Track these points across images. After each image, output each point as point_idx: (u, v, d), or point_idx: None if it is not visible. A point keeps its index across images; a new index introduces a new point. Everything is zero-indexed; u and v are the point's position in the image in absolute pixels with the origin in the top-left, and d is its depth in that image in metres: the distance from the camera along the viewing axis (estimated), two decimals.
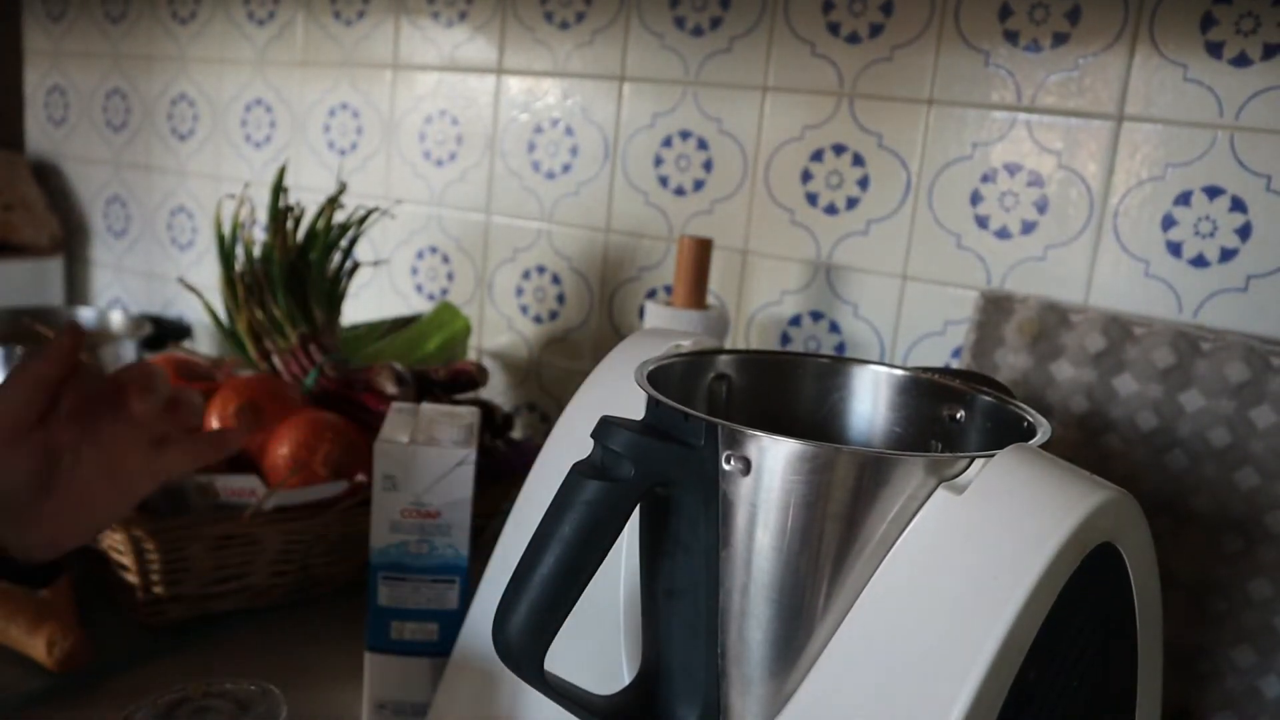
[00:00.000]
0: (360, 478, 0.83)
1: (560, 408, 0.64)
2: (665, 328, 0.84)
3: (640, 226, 1.07)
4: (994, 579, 0.40)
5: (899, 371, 0.57)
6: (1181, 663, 0.74)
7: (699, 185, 1.03)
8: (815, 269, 0.97)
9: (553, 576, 0.43)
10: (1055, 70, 0.84)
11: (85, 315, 1.35)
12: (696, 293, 0.90)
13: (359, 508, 0.81)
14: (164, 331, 1.32)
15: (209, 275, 1.41)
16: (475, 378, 0.94)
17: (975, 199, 0.89)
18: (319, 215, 1.02)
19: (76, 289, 1.60)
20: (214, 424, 0.88)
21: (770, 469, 0.43)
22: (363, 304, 1.28)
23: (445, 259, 1.22)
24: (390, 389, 0.89)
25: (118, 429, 0.62)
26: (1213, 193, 0.79)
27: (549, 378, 1.16)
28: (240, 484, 0.81)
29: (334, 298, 1.03)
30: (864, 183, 0.94)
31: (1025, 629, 0.40)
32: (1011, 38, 0.85)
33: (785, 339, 1.01)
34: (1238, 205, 0.78)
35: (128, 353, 1.18)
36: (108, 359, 1.14)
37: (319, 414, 0.88)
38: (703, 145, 1.02)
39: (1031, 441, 0.46)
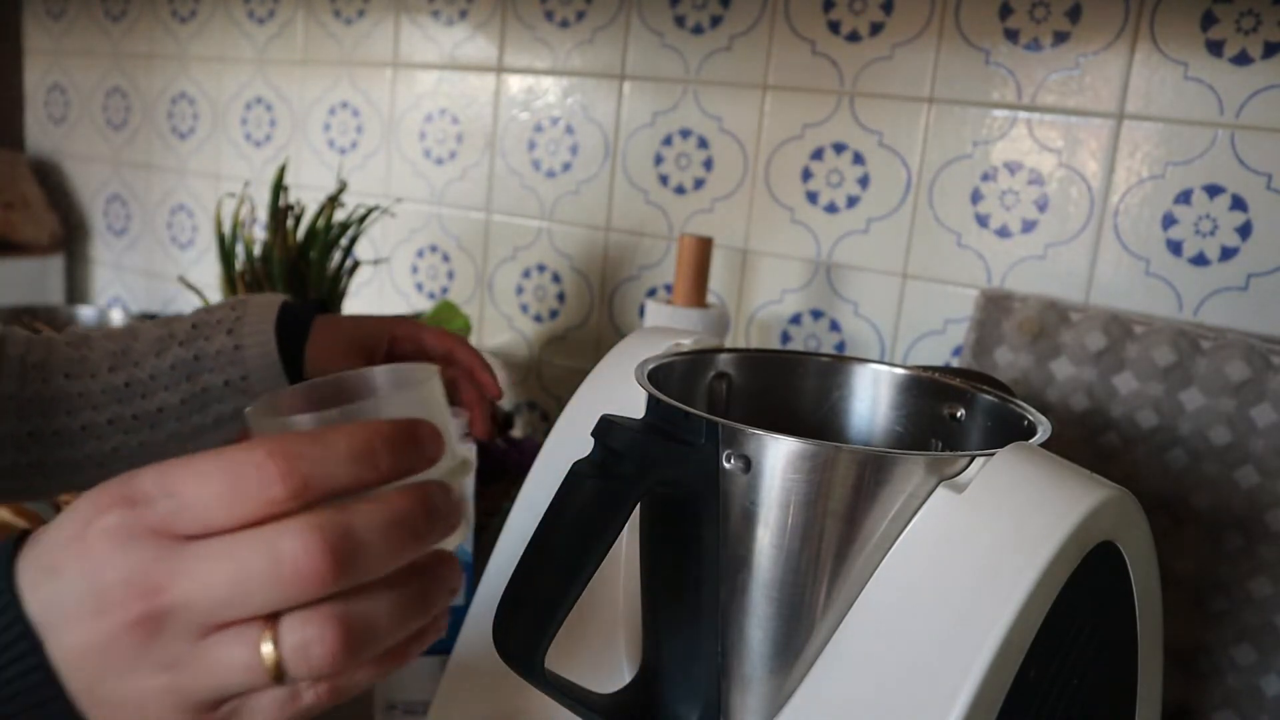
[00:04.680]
0: None
1: (560, 406, 0.64)
2: (666, 326, 0.84)
3: (640, 225, 1.07)
4: (994, 577, 0.40)
5: (899, 370, 0.57)
6: (1182, 661, 0.74)
7: (699, 184, 1.03)
8: (815, 267, 0.97)
9: (553, 575, 0.43)
10: (1056, 69, 0.84)
11: (85, 314, 1.35)
12: (697, 291, 0.90)
13: None
14: None
15: (209, 274, 1.41)
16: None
17: (975, 197, 0.89)
18: (319, 214, 1.02)
19: (77, 287, 1.60)
20: None
21: (770, 467, 0.43)
22: (363, 302, 1.28)
23: (445, 257, 1.22)
24: None
25: None
26: (1213, 191, 0.79)
27: (549, 376, 1.16)
28: None
29: (334, 296, 1.03)
30: (864, 181, 0.94)
31: (1025, 627, 0.40)
32: (1012, 36, 0.85)
33: (785, 337, 1.01)
34: (1238, 204, 0.78)
35: None
36: None
37: None
38: (703, 144, 1.02)
39: (1032, 440, 0.46)
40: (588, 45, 1.07)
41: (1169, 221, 0.81)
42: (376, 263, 1.26)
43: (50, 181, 1.59)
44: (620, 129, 1.07)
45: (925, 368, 0.57)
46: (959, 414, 0.55)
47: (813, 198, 0.97)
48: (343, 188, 1.06)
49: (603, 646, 0.54)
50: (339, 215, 1.11)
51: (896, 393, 0.57)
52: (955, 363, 0.91)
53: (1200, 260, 0.80)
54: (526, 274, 1.16)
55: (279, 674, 0.30)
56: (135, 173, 1.49)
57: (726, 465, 0.44)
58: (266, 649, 0.30)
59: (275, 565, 0.29)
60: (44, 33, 1.56)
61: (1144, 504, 0.44)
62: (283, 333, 0.68)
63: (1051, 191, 0.85)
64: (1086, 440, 0.78)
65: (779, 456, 0.43)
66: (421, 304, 1.25)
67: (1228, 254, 0.79)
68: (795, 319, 1.00)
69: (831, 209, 0.96)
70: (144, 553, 0.30)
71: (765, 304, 1.01)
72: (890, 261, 0.93)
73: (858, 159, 0.94)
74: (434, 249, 1.22)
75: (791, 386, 0.59)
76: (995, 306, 0.83)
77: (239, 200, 1.04)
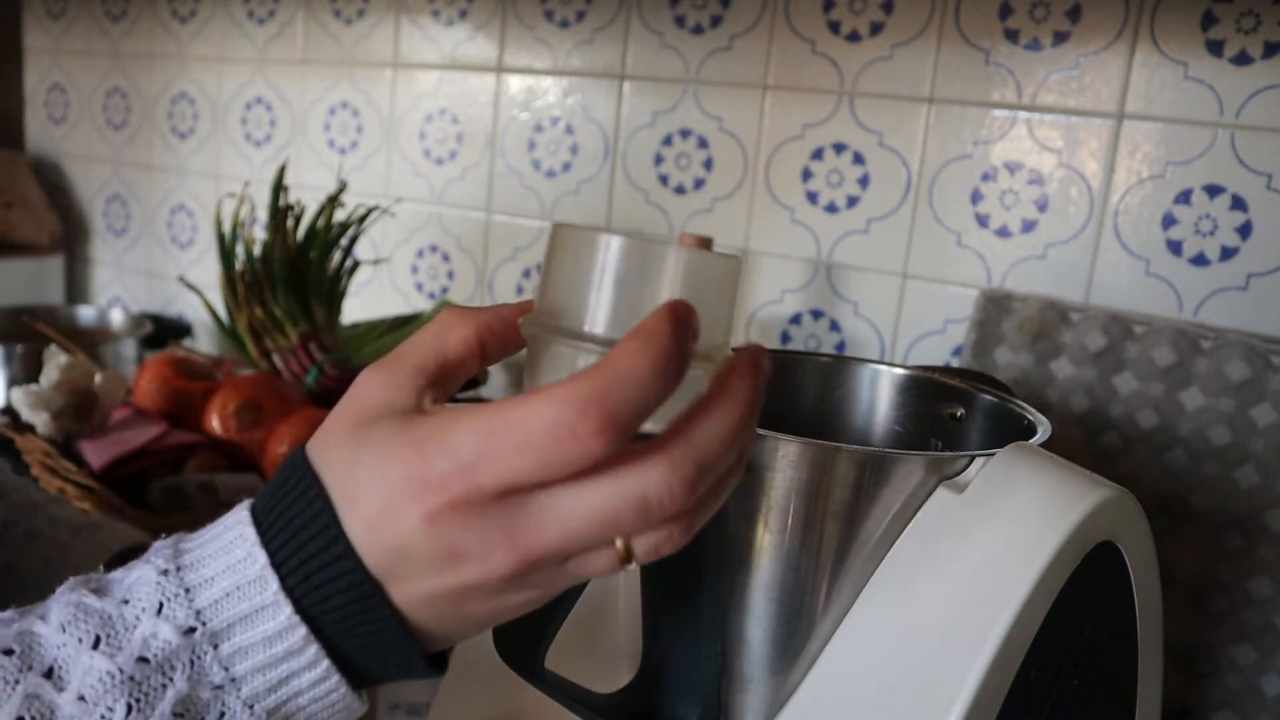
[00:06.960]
0: None
1: None
2: None
3: (641, 225, 1.07)
4: (994, 577, 0.40)
5: (899, 370, 0.57)
6: (1182, 661, 0.74)
7: (699, 184, 1.03)
8: (815, 267, 0.97)
9: None
10: (1056, 68, 0.84)
11: (85, 314, 1.35)
12: None
13: None
14: (164, 330, 1.32)
15: (209, 274, 1.40)
16: (476, 377, 0.94)
17: (975, 197, 0.89)
18: (319, 214, 1.02)
19: (77, 287, 1.60)
20: (214, 423, 0.88)
21: (771, 467, 0.43)
22: (363, 302, 1.28)
23: (445, 257, 1.22)
24: None
25: None
26: (1213, 191, 0.79)
27: None
28: (241, 482, 0.81)
29: (334, 296, 1.03)
30: (864, 181, 0.94)
31: (1026, 627, 0.40)
32: (1012, 36, 0.85)
33: (785, 337, 1.01)
34: (1238, 203, 0.78)
35: (128, 351, 1.18)
36: (107, 358, 1.14)
37: (319, 413, 0.88)
38: (703, 143, 1.02)
39: (1032, 440, 0.46)
40: (588, 45, 1.07)
41: (1169, 221, 0.81)
42: (376, 263, 1.26)
43: (50, 181, 1.59)
44: (620, 129, 1.07)
45: (925, 368, 0.57)
46: (959, 414, 0.55)
47: (813, 198, 0.97)
48: (343, 188, 1.06)
49: (603, 646, 0.54)
50: (339, 215, 1.11)
51: (896, 393, 0.57)
52: (955, 363, 0.91)
53: (1200, 260, 0.80)
54: (527, 274, 1.16)
55: (628, 558, 0.33)
56: (135, 173, 1.49)
57: None
58: (619, 545, 0.32)
59: (641, 508, 0.31)
60: (44, 33, 1.56)
61: (1144, 504, 0.44)
62: None
63: (1051, 191, 0.85)
64: (1086, 440, 0.78)
65: (779, 456, 0.43)
66: (421, 304, 1.25)
67: (1228, 254, 0.79)
68: (795, 319, 1.00)
69: (831, 209, 0.96)
70: (495, 519, 0.31)
71: (765, 304, 1.01)
72: (890, 261, 0.93)
73: (858, 159, 0.94)
74: (434, 249, 1.22)
75: (792, 387, 0.59)
76: (995, 306, 0.83)
77: (239, 200, 1.04)
